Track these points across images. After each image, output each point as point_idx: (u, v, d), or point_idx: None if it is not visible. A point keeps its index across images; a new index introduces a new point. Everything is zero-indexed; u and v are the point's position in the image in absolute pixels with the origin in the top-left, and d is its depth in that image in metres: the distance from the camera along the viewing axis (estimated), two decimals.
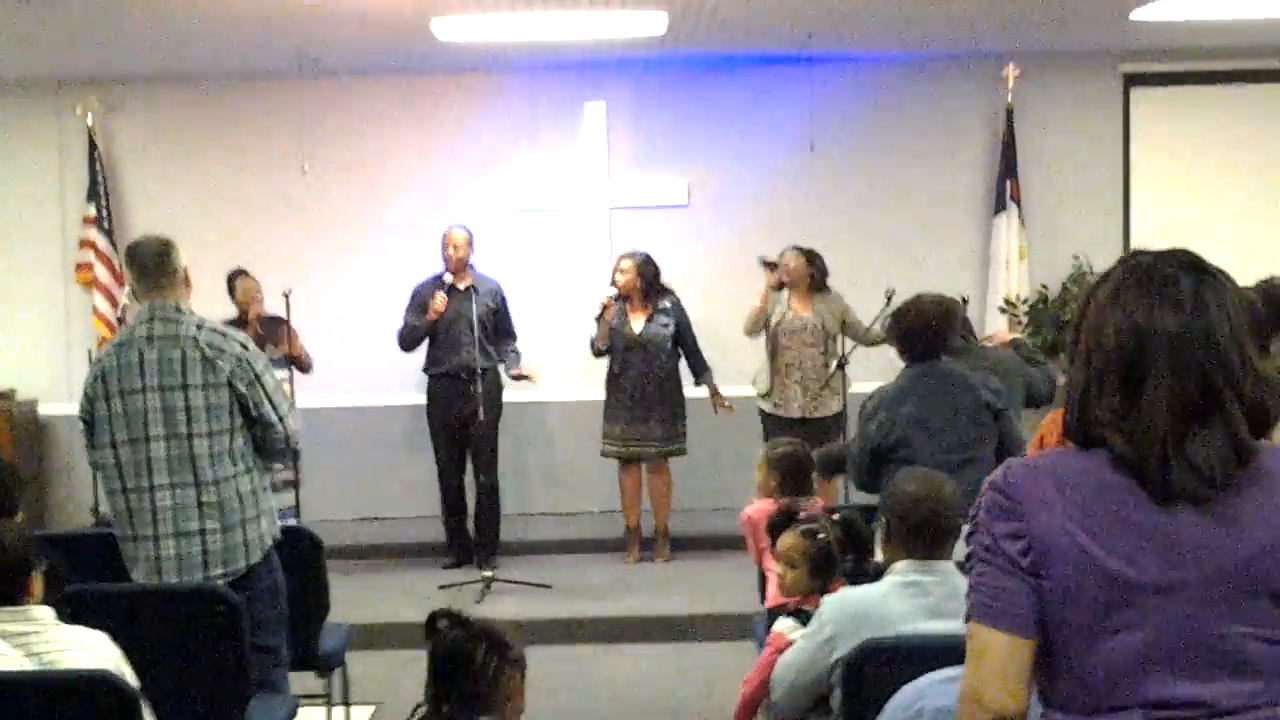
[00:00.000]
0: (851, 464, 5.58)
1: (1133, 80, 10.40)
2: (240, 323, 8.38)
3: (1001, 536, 2.16)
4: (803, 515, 4.48)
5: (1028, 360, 6.57)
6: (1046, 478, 2.17)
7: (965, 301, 6.98)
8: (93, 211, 10.23)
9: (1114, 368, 2.13)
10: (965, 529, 2.28)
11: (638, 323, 8.87)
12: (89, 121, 10.23)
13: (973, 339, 6.72)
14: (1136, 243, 10.18)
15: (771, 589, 5.46)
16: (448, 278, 8.94)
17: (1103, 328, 2.15)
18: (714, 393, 8.95)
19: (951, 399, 5.41)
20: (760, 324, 8.80)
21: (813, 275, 8.74)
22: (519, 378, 8.97)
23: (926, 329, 5.50)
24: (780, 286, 8.78)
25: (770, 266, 8.81)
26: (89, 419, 4.92)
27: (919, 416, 5.36)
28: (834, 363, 8.47)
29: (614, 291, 8.86)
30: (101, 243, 10.19)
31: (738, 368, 9.37)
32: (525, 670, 3.39)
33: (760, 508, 5.42)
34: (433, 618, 3.43)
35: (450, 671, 3.32)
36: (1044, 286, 10.20)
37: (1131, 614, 2.10)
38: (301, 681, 5.42)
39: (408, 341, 9.07)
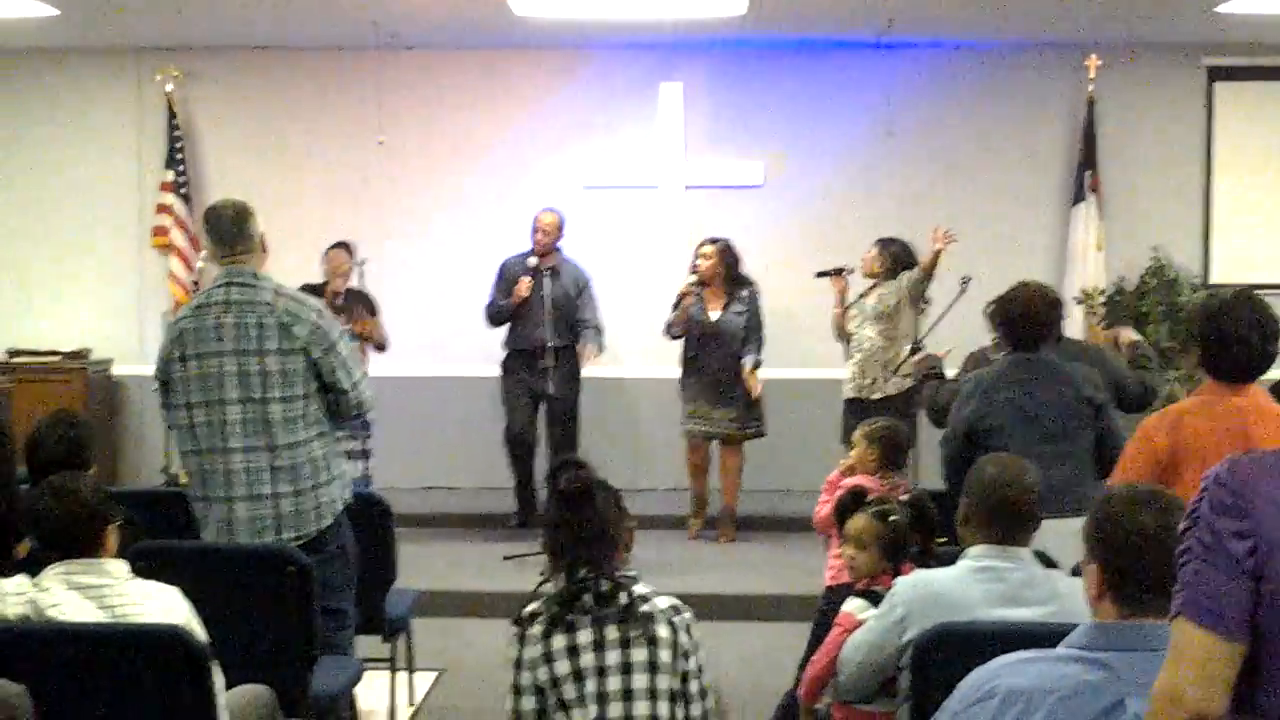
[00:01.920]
0: (943, 446, 5.51)
1: (1216, 74, 10.28)
2: (318, 290, 8.37)
3: (1226, 534, 2.08)
4: (872, 497, 4.44)
5: (1135, 363, 6.43)
6: (1275, 474, 2.10)
7: None
8: (170, 177, 10.34)
9: None
10: (1181, 525, 2.18)
11: (714, 311, 8.84)
12: (168, 88, 10.33)
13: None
14: (1216, 238, 10.13)
15: (831, 570, 5.46)
16: (532, 260, 8.94)
17: None
18: (748, 371, 8.84)
19: (1052, 390, 5.32)
20: (840, 328, 8.72)
21: (893, 265, 8.62)
22: (580, 354, 8.97)
23: (1031, 317, 5.42)
24: (871, 275, 8.69)
25: (835, 273, 8.72)
26: (165, 380, 4.95)
27: (1018, 404, 5.29)
28: (908, 346, 8.38)
29: (694, 278, 8.82)
30: (178, 208, 10.30)
31: (808, 350, 9.34)
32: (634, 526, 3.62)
33: (855, 480, 5.41)
34: (558, 465, 3.62)
35: (575, 508, 3.50)
36: (1122, 278, 10.10)
37: None
38: (367, 645, 5.44)
39: (495, 320, 9.11)
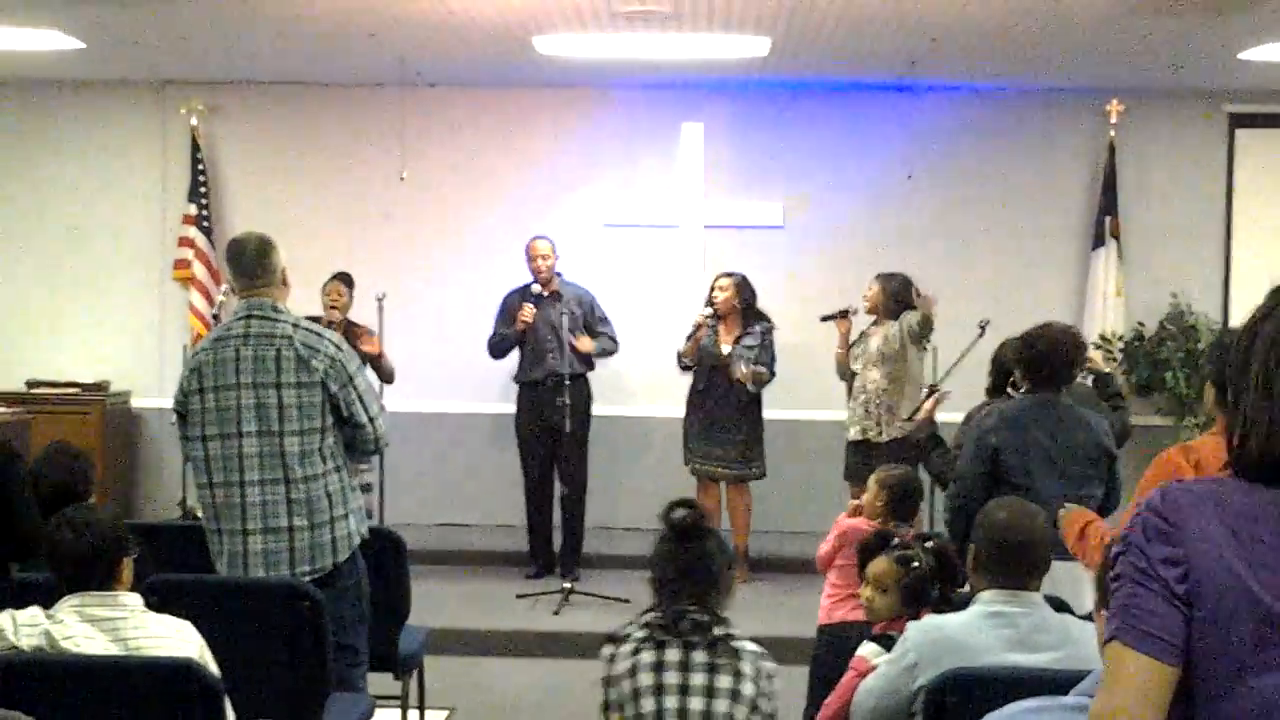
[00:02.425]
0: (958, 482, 5.47)
1: (1238, 120, 10.27)
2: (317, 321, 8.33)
3: (1157, 560, 2.09)
4: (896, 541, 4.42)
5: (1107, 398, 6.45)
6: (1207, 504, 2.10)
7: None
8: (193, 210, 10.39)
9: None
10: (1114, 550, 2.19)
11: (726, 345, 8.86)
12: (193, 122, 10.40)
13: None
14: (1236, 283, 10.11)
15: (827, 608, 5.45)
16: (535, 287, 8.97)
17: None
18: (744, 371, 8.80)
19: (1074, 434, 5.32)
20: (845, 369, 8.74)
21: (896, 303, 8.63)
22: (574, 346, 8.87)
23: (1056, 357, 5.41)
24: (872, 311, 8.71)
25: (839, 316, 8.74)
26: (183, 411, 4.96)
27: (1044, 446, 5.27)
28: (908, 387, 8.38)
29: (710, 310, 8.84)
30: (200, 241, 10.34)
31: (821, 392, 9.34)
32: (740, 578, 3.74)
33: (856, 523, 5.40)
34: (673, 504, 3.75)
35: (685, 542, 3.65)
36: (1140, 324, 10.08)
37: None
38: (378, 682, 5.43)
39: (497, 350, 9.14)
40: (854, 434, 8.60)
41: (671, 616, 3.52)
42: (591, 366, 9.08)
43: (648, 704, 3.38)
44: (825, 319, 8.81)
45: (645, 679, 3.42)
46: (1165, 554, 2.09)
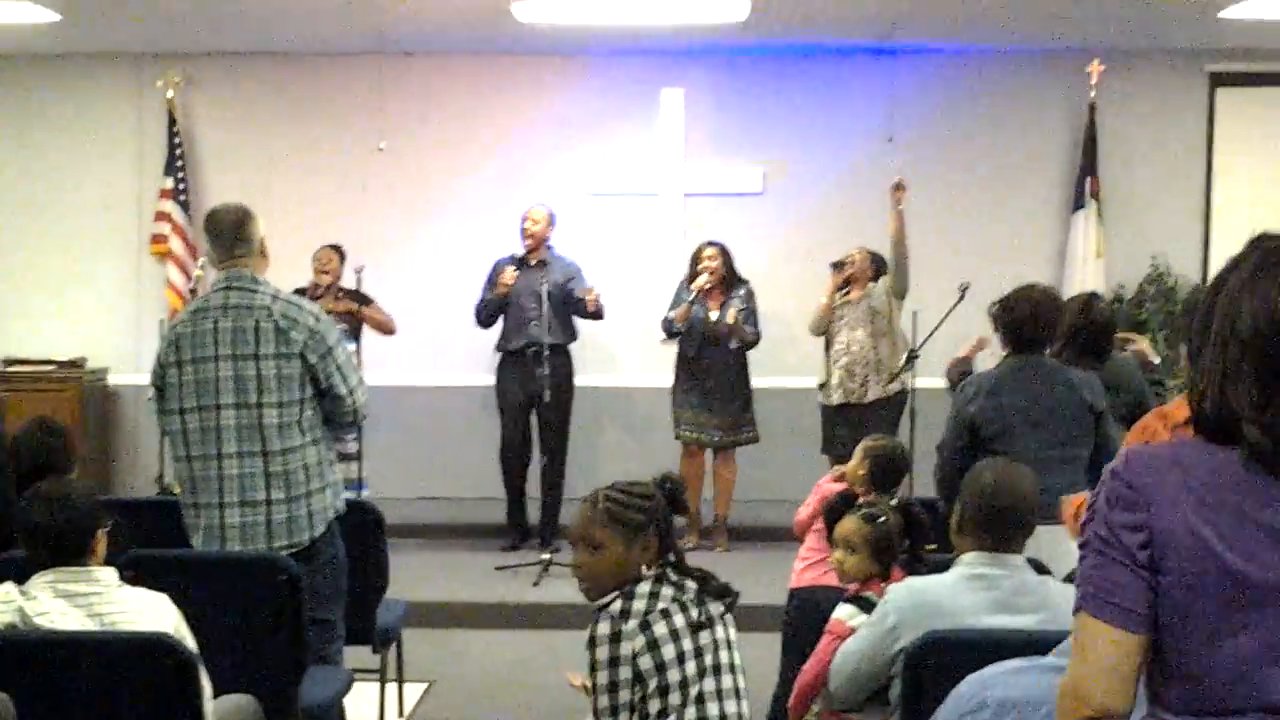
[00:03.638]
0: (942, 451, 5.45)
1: (1218, 80, 10.25)
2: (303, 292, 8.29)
3: (1120, 527, 2.07)
4: (861, 500, 4.41)
5: (1153, 384, 6.39)
6: (1170, 468, 2.08)
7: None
8: (170, 184, 10.32)
9: (1251, 357, 2.03)
10: (1081, 518, 2.18)
11: (714, 311, 8.84)
12: (169, 95, 10.32)
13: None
14: (1217, 245, 10.10)
15: (799, 572, 5.43)
16: (519, 251, 8.93)
17: (1238, 314, 2.05)
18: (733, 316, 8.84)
19: (1055, 394, 5.30)
20: (826, 322, 8.70)
21: (875, 271, 8.64)
22: (584, 300, 8.86)
23: (1036, 320, 5.39)
24: (845, 284, 8.67)
25: (838, 267, 8.70)
26: (160, 385, 4.92)
27: (1023, 408, 5.25)
28: (904, 355, 8.35)
29: (708, 278, 8.78)
30: (177, 215, 10.28)
31: (802, 359, 9.33)
32: None
33: (836, 487, 5.37)
34: (663, 477, 3.70)
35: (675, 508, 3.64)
36: (1120, 286, 10.09)
37: (1252, 614, 2.01)
38: (356, 656, 5.41)
39: (481, 315, 9.08)
40: (835, 398, 8.56)
41: (679, 577, 3.49)
42: (574, 337, 9.04)
43: (674, 674, 3.33)
44: (836, 264, 8.72)
45: (669, 651, 3.34)
46: (1127, 520, 2.08)
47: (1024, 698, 2.49)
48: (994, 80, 10.28)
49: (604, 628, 3.35)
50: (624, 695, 3.32)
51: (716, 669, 3.38)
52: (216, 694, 3.86)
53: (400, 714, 6.17)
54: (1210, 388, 2.08)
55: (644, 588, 3.42)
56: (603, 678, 3.33)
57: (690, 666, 3.34)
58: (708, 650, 3.38)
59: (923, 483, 6.18)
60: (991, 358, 6.36)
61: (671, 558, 3.51)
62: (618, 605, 3.39)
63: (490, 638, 7.57)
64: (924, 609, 3.63)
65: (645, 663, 3.32)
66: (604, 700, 3.34)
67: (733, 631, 3.48)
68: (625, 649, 3.32)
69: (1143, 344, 6.92)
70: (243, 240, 4.95)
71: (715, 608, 3.46)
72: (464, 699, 6.51)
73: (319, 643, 4.77)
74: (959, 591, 3.67)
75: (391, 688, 5.98)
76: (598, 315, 8.94)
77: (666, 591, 3.42)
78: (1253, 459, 2.03)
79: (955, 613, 3.60)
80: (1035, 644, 2.84)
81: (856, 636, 3.81)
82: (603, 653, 3.33)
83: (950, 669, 2.99)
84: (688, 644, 3.36)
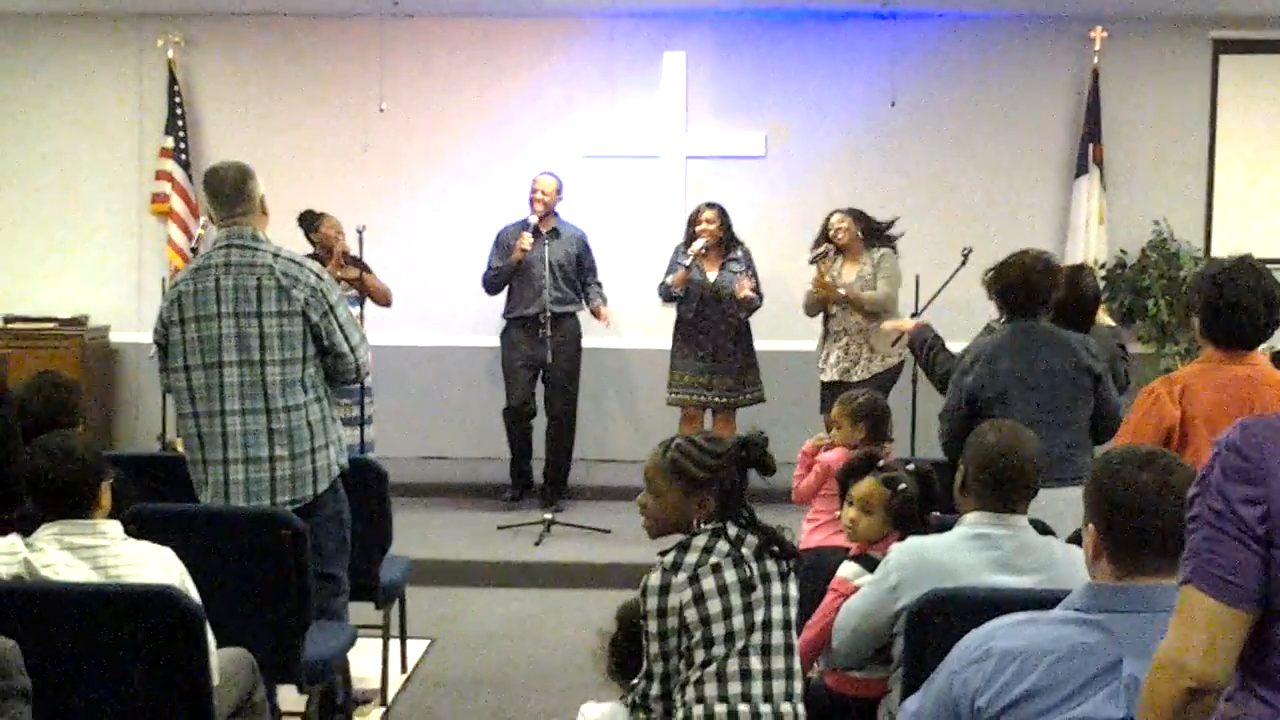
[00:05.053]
0: (942, 419, 5.47)
1: (1222, 46, 10.23)
2: (320, 260, 8.29)
3: (1237, 501, 2.05)
4: (882, 464, 4.41)
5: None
6: None
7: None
8: (170, 144, 10.31)
9: None
10: (1190, 491, 2.14)
11: (711, 272, 8.81)
12: (169, 55, 10.30)
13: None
14: (1219, 211, 10.10)
15: (808, 535, 5.46)
16: (533, 219, 8.91)
17: None
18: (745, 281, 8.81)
19: (1052, 358, 5.30)
20: (819, 307, 8.67)
21: (862, 232, 8.59)
22: (595, 314, 8.97)
23: (1029, 285, 5.39)
24: (839, 252, 8.63)
25: (821, 258, 8.65)
26: (163, 343, 4.94)
27: (1018, 373, 5.26)
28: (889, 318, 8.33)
29: (706, 241, 8.74)
30: (178, 174, 10.27)
31: (805, 324, 9.31)
32: None
33: (839, 455, 5.39)
34: (751, 437, 3.61)
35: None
36: (1123, 251, 10.09)
37: None
38: (360, 612, 5.44)
39: (491, 285, 9.05)
40: (831, 375, 8.54)
41: (741, 534, 3.49)
42: (582, 304, 9.05)
43: (721, 627, 3.36)
44: (814, 260, 8.69)
45: (727, 601, 3.37)
46: (1245, 494, 2.06)
47: (1028, 647, 2.50)
48: (997, 45, 10.25)
49: (655, 579, 3.40)
50: (672, 642, 3.37)
51: (767, 625, 3.39)
52: (220, 647, 3.87)
53: (403, 670, 6.20)
54: None
55: (700, 540, 3.45)
56: (652, 626, 3.38)
57: (738, 621, 3.36)
58: (758, 606, 3.39)
59: (930, 441, 6.19)
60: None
61: (740, 514, 3.52)
62: (671, 557, 3.43)
63: (492, 596, 7.60)
64: (926, 568, 3.64)
65: (691, 615, 3.35)
66: (654, 647, 3.39)
67: (793, 588, 3.49)
68: (673, 600, 3.36)
69: (1102, 312, 6.94)
70: (243, 197, 4.96)
71: (773, 566, 3.46)
72: (466, 656, 6.54)
73: (323, 598, 4.80)
74: (960, 551, 3.67)
75: (395, 644, 6.01)
76: (583, 298, 9.03)
77: (722, 546, 3.43)
78: None
79: (956, 571, 3.61)
80: (1037, 603, 2.84)
81: (859, 594, 3.83)
82: (652, 602, 3.38)
83: (952, 628, 3.00)
84: (736, 599, 3.37)
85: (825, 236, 8.64)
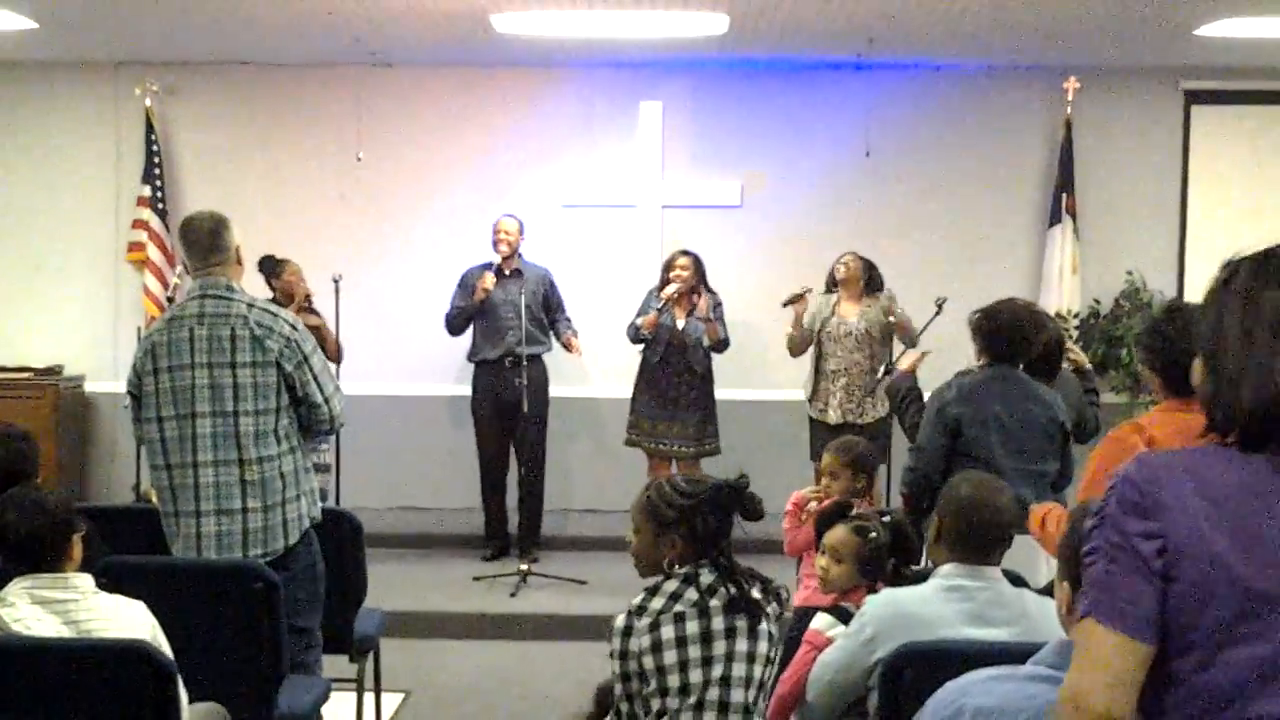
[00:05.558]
0: (917, 455, 5.47)
1: (1194, 97, 10.31)
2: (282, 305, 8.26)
3: (1134, 534, 2.05)
4: (854, 513, 4.41)
5: (1086, 392, 6.45)
6: (1185, 475, 2.06)
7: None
8: (147, 192, 10.29)
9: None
10: (1088, 523, 2.15)
11: (680, 320, 8.83)
12: (147, 103, 10.29)
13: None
14: (1192, 261, 10.15)
15: (804, 591, 5.44)
16: (496, 259, 8.94)
17: (1258, 308, 2.10)
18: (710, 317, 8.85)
19: (1032, 406, 5.32)
20: (802, 345, 8.71)
21: (869, 279, 8.66)
22: (567, 346, 8.98)
23: (1016, 332, 5.42)
24: (834, 287, 8.69)
25: (796, 299, 8.69)
26: (137, 393, 4.93)
27: (997, 418, 5.28)
28: (881, 369, 8.37)
29: (678, 287, 8.75)
30: (155, 223, 10.25)
31: (779, 372, 9.35)
32: None
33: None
34: (737, 480, 3.68)
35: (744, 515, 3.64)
36: (1096, 301, 10.13)
37: (1258, 626, 2.00)
38: (334, 665, 5.40)
39: (454, 324, 9.08)
40: (832, 418, 8.53)
41: (719, 579, 3.49)
42: (550, 346, 9.07)
43: (678, 678, 3.36)
44: (787, 304, 8.73)
45: (684, 653, 3.38)
46: (1142, 528, 2.06)
47: (1000, 705, 2.49)
48: (970, 96, 10.32)
49: (620, 620, 3.42)
50: (633, 685, 3.39)
51: (725, 680, 3.39)
52: (192, 702, 3.85)
53: None
54: (1246, 383, 2.07)
55: (669, 586, 3.45)
56: (616, 666, 3.41)
57: (695, 674, 3.36)
58: (718, 662, 3.38)
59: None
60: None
61: (718, 560, 3.52)
62: (639, 600, 3.44)
63: (468, 648, 7.57)
64: (901, 620, 3.64)
65: (648, 662, 3.35)
66: (617, 687, 3.42)
67: (762, 646, 3.47)
68: (633, 644, 3.38)
69: (1078, 354, 6.97)
70: (218, 248, 4.95)
71: (742, 621, 3.45)
72: (441, 709, 6.51)
73: (296, 651, 4.77)
74: (934, 603, 3.67)
75: (369, 697, 5.96)
76: (546, 341, 9.07)
77: (690, 595, 3.43)
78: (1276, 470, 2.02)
79: (931, 624, 3.61)
80: (1011, 656, 2.84)
81: (834, 647, 3.82)
82: (616, 643, 3.41)
83: (927, 680, 3.00)
84: (695, 652, 3.36)
85: (831, 278, 8.69)
